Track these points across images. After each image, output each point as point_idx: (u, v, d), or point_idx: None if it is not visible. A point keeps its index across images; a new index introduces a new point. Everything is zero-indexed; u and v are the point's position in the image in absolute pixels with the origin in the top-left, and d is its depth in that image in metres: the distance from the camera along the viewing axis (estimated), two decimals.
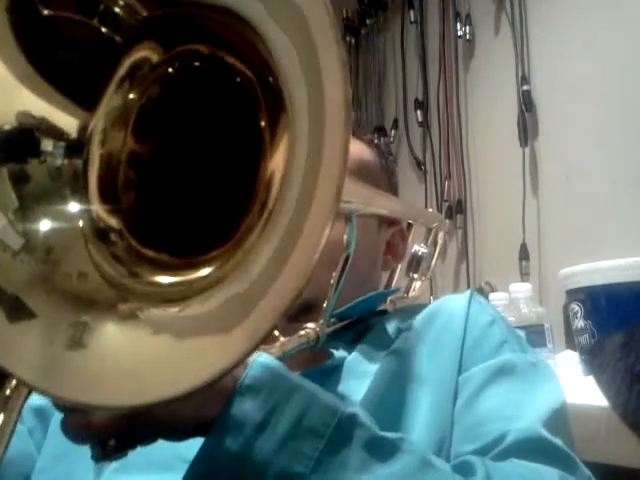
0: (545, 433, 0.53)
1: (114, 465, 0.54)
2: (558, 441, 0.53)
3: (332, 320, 0.61)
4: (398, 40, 2.06)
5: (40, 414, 0.64)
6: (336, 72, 0.33)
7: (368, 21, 2.16)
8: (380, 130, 2.06)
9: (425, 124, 1.93)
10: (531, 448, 0.51)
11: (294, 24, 0.35)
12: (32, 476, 0.59)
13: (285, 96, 0.36)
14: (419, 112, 1.94)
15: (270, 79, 0.38)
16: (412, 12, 1.98)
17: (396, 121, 2.05)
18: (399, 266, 0.83)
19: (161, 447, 0.47)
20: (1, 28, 0.41)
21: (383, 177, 0.81)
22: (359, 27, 2.18)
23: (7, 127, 0.41)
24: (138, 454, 0.41)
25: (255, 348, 0.31)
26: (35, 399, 0.43)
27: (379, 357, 0.63)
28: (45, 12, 0.41)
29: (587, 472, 0.52)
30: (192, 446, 0.41)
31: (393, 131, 2.04)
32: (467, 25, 1.77)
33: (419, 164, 1.94)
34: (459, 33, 1.78)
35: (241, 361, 0.32)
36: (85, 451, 0.39)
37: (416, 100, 1.96)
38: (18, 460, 0.42)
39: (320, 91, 0.33)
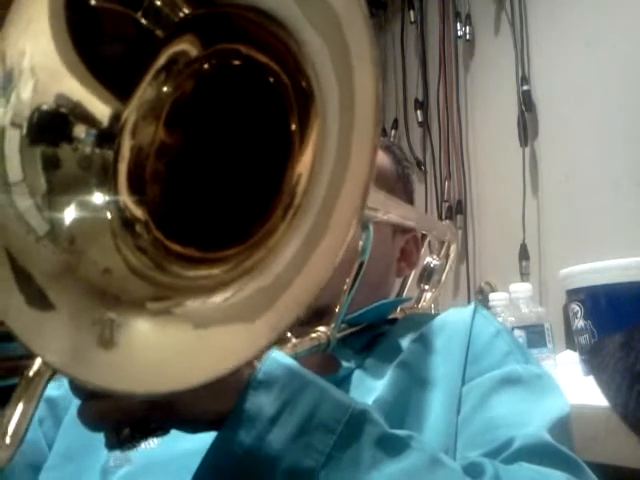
0: (551, 439, 0.53)
1: (121, 472, 0.55)
2: (564, 448, 0.53)
3: (343, 326, 0.61)
4: (398, 40, 2.06)
5: (52, 405, 0.65)
6: (369, 77, 0.33)
7: None
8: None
9: (425, 124, 1.93)
10: (539, 453, 0.51)
11: (330, 31, 0.35)
12: (41, 471, 0.60)
13: (317, 101, 0.37)
14: (419, 112, 1.94)
15: (304, 83, 0.38)
16: (412, 12, 1.98)
17: (396, 121, 2.05)
18: (412, 274, 0.84)
19: (169, 457, 0.47)
20: (58, 18, 0.42)
21: (399, 184, 0.81)
22: None
23: (45, 107, 0.42)
24: (146, 463, 0.41)
25: (279, 337, 0.32)
26: (48, 390, 0.43)
27: (387, 370, 0.63)
28: (93, 2, 0.43)
29: (594, 478, 0.52)
30: (200, 456, 0.41)
31: (393, 131, 2.04)
32: (467, 25, 1.77)
33: (419, 164, 1.94)
34: (459, 33, 1.78)
35: (265, 350, 0.33)
36: (93, 454, 0.40)
37: (416, 100, 1.96)
38: (26, 449, 0.42)
39: (351, 91, 0.34)
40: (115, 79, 0.45)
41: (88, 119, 0.44)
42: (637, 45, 1.33)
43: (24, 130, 0.42)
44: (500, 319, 1.06)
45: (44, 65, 0.42)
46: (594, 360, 0.54)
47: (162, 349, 0.36)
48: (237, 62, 0.44)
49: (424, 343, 0.65)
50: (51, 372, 0.42)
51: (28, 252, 0.40)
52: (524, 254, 1.54)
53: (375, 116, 0.33)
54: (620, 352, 0.53)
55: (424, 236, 0.83)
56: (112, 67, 0.45)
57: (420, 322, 0.70)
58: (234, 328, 0.35)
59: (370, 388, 0.61)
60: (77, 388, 0.40)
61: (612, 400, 0.52)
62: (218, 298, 0.37)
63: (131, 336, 0.37)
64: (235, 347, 0.33)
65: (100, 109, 0.44)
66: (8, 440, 0.40)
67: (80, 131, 0.43)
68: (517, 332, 1.08)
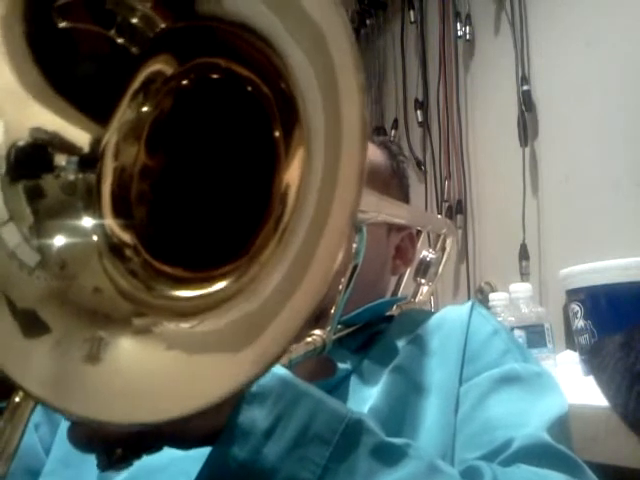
0: (550, 440, 0.53)
1: (120, 477, 0.54)
2: (563, 447, 0.53)
3: (339, 327, 0.60)
4: (398, 40, 2.06)
5: (47, 410, 0.63)
6: (353, 91, 0.32)
7: (368, 21, 2.16)
8: (380, 130, 2.06)
9: (425, 124, 1.93)
10: (538, 454, 0.51)
11: (312, 41, 0.34)
12: (39, 478, 0.60)
13: (300, 109, 0.36)
14: (419, 112, 1.94)
15: (285, 93, 0.37)
16: (412, 12, 1.98)
17: (396, 121, 2.05)
18: (408, 271, 0.83)
19: (167, 461, 0.47)
20: (16, 40, 0.40)
21: (394, 180, 0.81)
22: (359, 27, 2.18)
23: (21, 143, 0.41)
24: (143, 467, 0.41)
25: (265, 371, 0.31)
26: None
27: (384, 370, 0.62)
28: (61, 24, 0.41)
29: (594, 478, 0.52)
30: (198, 460, 0.41)
31: (393, 131, 2.04)
32: (467, 25, 1.77)
33: (419, 164, 1.94)
34: (459, 33, 1.78)
35: (250, 384, 0.31)
36: (91, 459, 0.40)
37: (416, 100, 1.96)
38: (22, 454, 0.42)
39: (336, 107, 0.33)
40: (92, 103, 0.43)
41: (68, 147, 0.42)
42: (637, 45, 1.33)
43: (3, 169, 0.40)
44: (500, 319, 1.06)
45: (11, 102, 0.41)
46: (594, 360, 0.55)
47: (145, 374, 0.35)
48: (216, 76, 0.43)
49: (420, 344, 0.65)
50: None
51: (21, 287, 0.40)
52: (524, 254, 1.54)
53: (361, 126, 0.32)
54: (620, 352, 0.53)
55: (419, 232, 0.83)
56: (88, 91, 0.43)
57: (417, 320, 0.69)
58: (219, 357, 0.34)
59: (365, 394, 0.60)
60: (65, 416, 0.40)
61: (612, 400, 0.52)
62: (207, 321, 0.36)
63: (115, 354, 0.36)
64: (219, 378, 0.32)
65: (79, 136, 0.43)
66: None
67: (61, 159, 0.42)
68: (517, 332, 1.08)
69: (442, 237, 0.86)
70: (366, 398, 0.60)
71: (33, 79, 0.41)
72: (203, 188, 0.46)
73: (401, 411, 0.58)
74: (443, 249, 0.86)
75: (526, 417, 0.55)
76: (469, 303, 0.69)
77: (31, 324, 0.38)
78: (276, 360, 0.31)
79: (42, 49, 0.41)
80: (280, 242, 0.36)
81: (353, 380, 0.63)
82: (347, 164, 0.32)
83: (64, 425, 0.62)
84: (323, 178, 0.33)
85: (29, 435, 0.61)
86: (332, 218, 0.32)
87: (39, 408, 0.63)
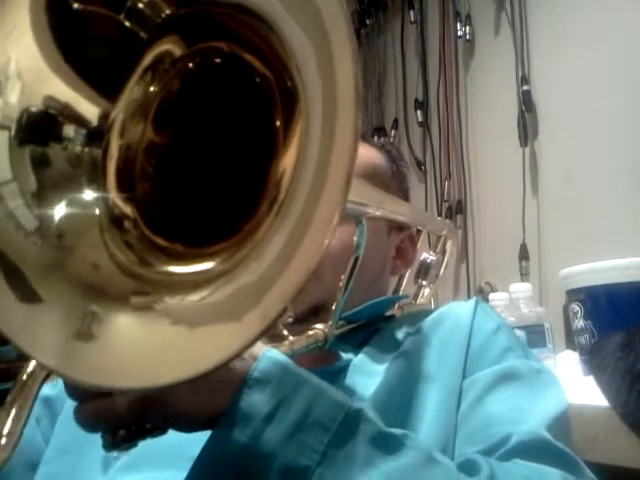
0: (549, 436, 0.53)
1: (120, 462, 0.55)
2: (561, 444, 0.53)
3: (340, 323, 0.61)
4: (398, 40, 2.06)
5: (48, 404, 0.65)
6: (348, 67, 0.33)
7: (368, 21, 2.16)
8: (380, 130, 2.06)
9: (425, 124, 1.93)
10: (535, 450, 0.51)
11: (310, 21, 0.35)
12: (39, 466, 0.60)
13: (300, 94, 0.37)
14: (419, 112, 1.94)
15: (286, 77, 0.38)
16: (412, 12, 1.98)
17: (396, 121, 2.05)
18: (408, 271, 0.84)
19: (167, 445, 0.47)
20: (40, 23, 0.43)
21: (394, 182, 0.82)
22: (359, 27, 2.17)
23: (34, 109, 0.43)
24: (144, 452, 0.42)
25: (267, 330, 0.32)
26: (43, 389, 0.43)
27: (386, 359, 0.63)
28: (75, 6, 0.43)
29: (591, 475, 0.52)
30: (197, 444, 0.41)
31: (393, 131, 2.04)
32: (467, 25, 1.77)
33: (419, 164, 1.94)
34: (459, 33, 1.79)
35: (253, 343, 0.32)
36: (91, 446, 0.40)
37: (416, 100, 1.96)
38: (24, 448, 0.42)
39: (334, 87, 0.34)
40: (102, 80, 0.45)
41: (77, 119, 0.44)
42: (637, 45, 1.33)
43: (12, 131, 0.42)
44: None
45: (30, 69, 0.43)
46: (594, 360, 0.55)
47: (147, 346, 0.36)
48: (220, 60, 0.44)
49: (423, 336, 0.66)
50: (45, 374, 0.42)
51: (17, 247, 0.41)
52: (524, 254, 1.54)
53: (355, 112, 0.33)
54: (620, 352, 0.53)
55: (419, 233, 0.83)
56: (99, 68, 0.45)
57: (419, 316, 0.70)
58: (222, 326, 0.35)
59: (369, 374, 0.61)
60: (72, 390, 0.41)
61: (612, 400, 0.52)
62: (206, 295, 0.37)
63: (113, 329, 0.37)
64: (224, 343, 0.33)
65: (89, 109, 0.45)
66: (4, 440, 0.40)
67: (69, 130, 0.44)
68: (517, 332, 1.08)
69: (443, 239, 0.86)
70: (368, 385, 0.60)
71: (52, 55, 0.43)
72: (204, 169, 0.47)
73: (402, 399, 0.59)
74: (444, 251, 0.86)
75: (525, 414, 0.56)
76: (473, 300, 0.70)
77: (25, 290, 0.39)
78: (279, 317, 0.32)
79: (62, 31, 0.44)
80: (277, 216, 0.37)
81: (355, 368, 0.63)
82: (341, 139, 0.33)
83: (63, 415, 0.63)
84: (319, 157, 0.34)
85: (31, 429, 0.62)
86: (327, 189, 0.33)
87: (39, 402, 0.64)
